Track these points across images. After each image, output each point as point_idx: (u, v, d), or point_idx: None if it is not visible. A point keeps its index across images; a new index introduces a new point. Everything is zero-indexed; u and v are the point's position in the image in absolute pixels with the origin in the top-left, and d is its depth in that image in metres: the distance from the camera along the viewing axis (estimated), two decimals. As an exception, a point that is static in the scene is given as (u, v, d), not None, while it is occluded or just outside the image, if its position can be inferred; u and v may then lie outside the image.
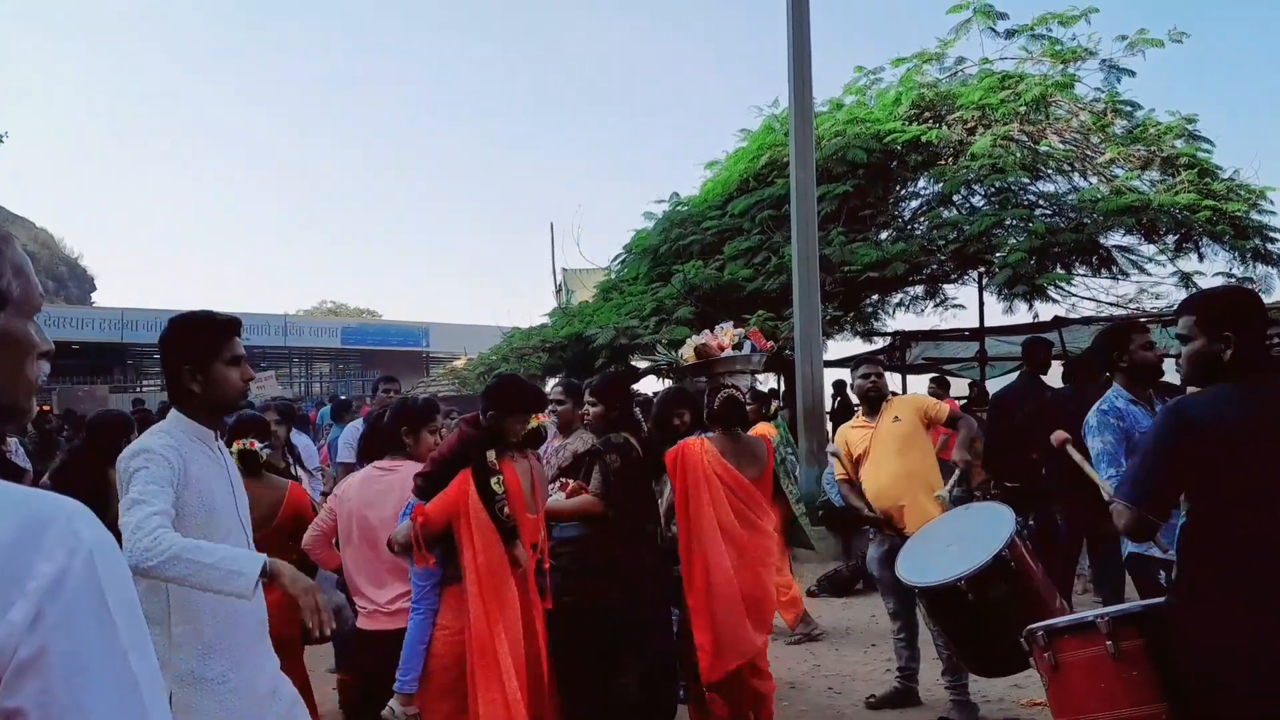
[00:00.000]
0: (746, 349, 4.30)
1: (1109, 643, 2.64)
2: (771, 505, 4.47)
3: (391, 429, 3.86)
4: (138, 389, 29.06)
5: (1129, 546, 3.59)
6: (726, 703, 4.16)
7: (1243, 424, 2.40)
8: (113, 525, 3.78)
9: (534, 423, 3.73)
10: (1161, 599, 2.70)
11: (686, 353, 4.57)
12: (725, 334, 4.47)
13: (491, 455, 3.59)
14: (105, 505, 3.85)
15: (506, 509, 3.50)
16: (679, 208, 12.99)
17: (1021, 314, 10.58)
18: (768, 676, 4.22)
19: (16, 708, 0.83)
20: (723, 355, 4.40)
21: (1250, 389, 2.46)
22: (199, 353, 2.70)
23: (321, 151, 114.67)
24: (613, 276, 13.91)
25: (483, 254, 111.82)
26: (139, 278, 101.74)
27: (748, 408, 4.69)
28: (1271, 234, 10.22)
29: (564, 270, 20.81)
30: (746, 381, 4.85)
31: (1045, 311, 10.67)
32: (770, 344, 6.26)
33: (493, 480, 3.52)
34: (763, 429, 6.04)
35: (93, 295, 41.82)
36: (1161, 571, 3.29)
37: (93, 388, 25.29)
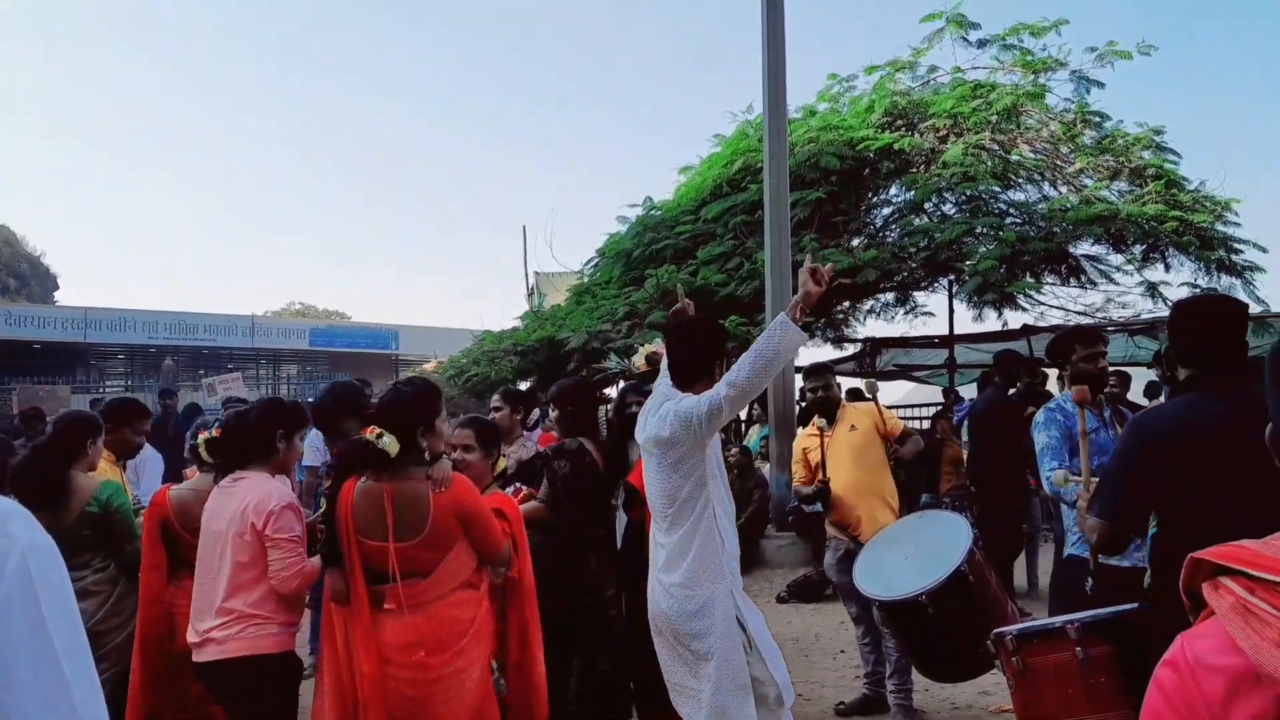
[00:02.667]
0: None
1: (1078, 649, 2.64)
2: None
3: (263, 431, 3.50)
4: (99, 389, 28.62)
5: (1069, 549, 3.63)
6: None
7: (1204, 434, 2.40)
8: (71, 524, 3.67)
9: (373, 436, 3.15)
10: (1131, 606, 2.70)
11: (638, 360, 4.64)
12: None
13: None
14: (64, 505, 3.75)
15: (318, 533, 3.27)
16: (653, 212, 12.98)
17: (991, 322, 10.68)
18: None
19: None
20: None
21: (1214, 397, 2.46)
22: None
23: (290, 152, 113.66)
24: (585, 280, 13.87)
25: (454, 256, 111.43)
26: (102, 277, 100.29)
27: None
28: (1236, 245, 10.38)
29: (536, 273, 20.76)
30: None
31: (1014, 319, 10.77)
32: None
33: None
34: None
35: (55, 294, 41.18)
36: (1089, 579, 3.32)
37: (54, 387, 24.84)
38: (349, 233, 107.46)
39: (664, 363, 3.54)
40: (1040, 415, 3.86)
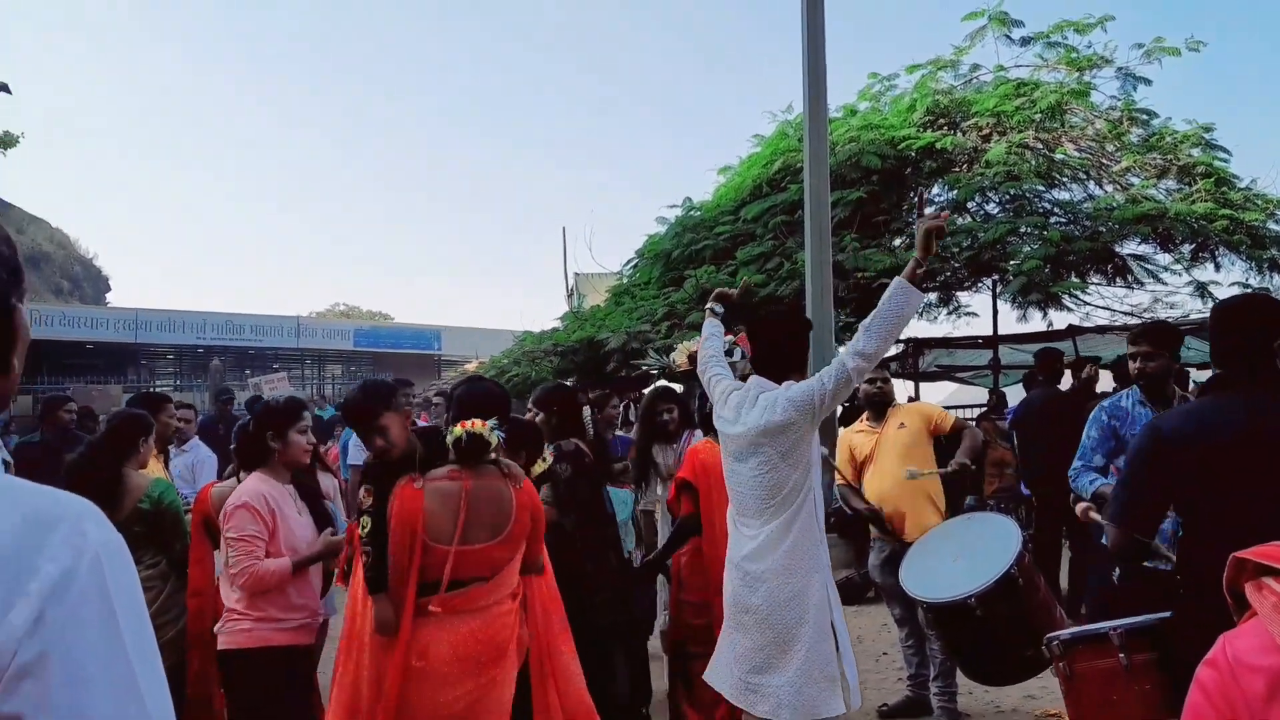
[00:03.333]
0: (737, 355, 4.39)
1: (1121, 655, 2.62)
2: None
3: (255, 436, 3.57)
4: (149, 389, 29.22)
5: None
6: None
7: (1222, 436, 2.39)
8: (122, 524, 3.80)
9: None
10: (1169, 614, 2.68)
11: (679, 358, 4.73)
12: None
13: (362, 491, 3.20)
14: (118, 502, 3.86)
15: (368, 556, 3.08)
16: (692, 212, 12.98)
17: (1035, 322, 10.53)
18: None
19: (14, 713, 0.80)
20: None
21: (1235, 399, 2.43)
22: None
23: (336, 155, 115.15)
24: (625, 281, 13.90)
25: (495, 258, 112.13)
26: (154, 279, 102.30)
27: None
28: (1289, 244, 10.15)
29: (576, 274, 20.84)
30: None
31: (1059, 320, 10.62)
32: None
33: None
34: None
35: (107, 295, 42.06)
36: (1115, 569, 3.35)
37: (106, 387, 25.41)
38: (393, 235, 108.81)
39: (709, 359, 3.56)
40: (1094, 412, 3.91)
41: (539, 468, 3.76)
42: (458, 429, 3.06)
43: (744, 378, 3.45)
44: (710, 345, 3.64)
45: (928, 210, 3.35)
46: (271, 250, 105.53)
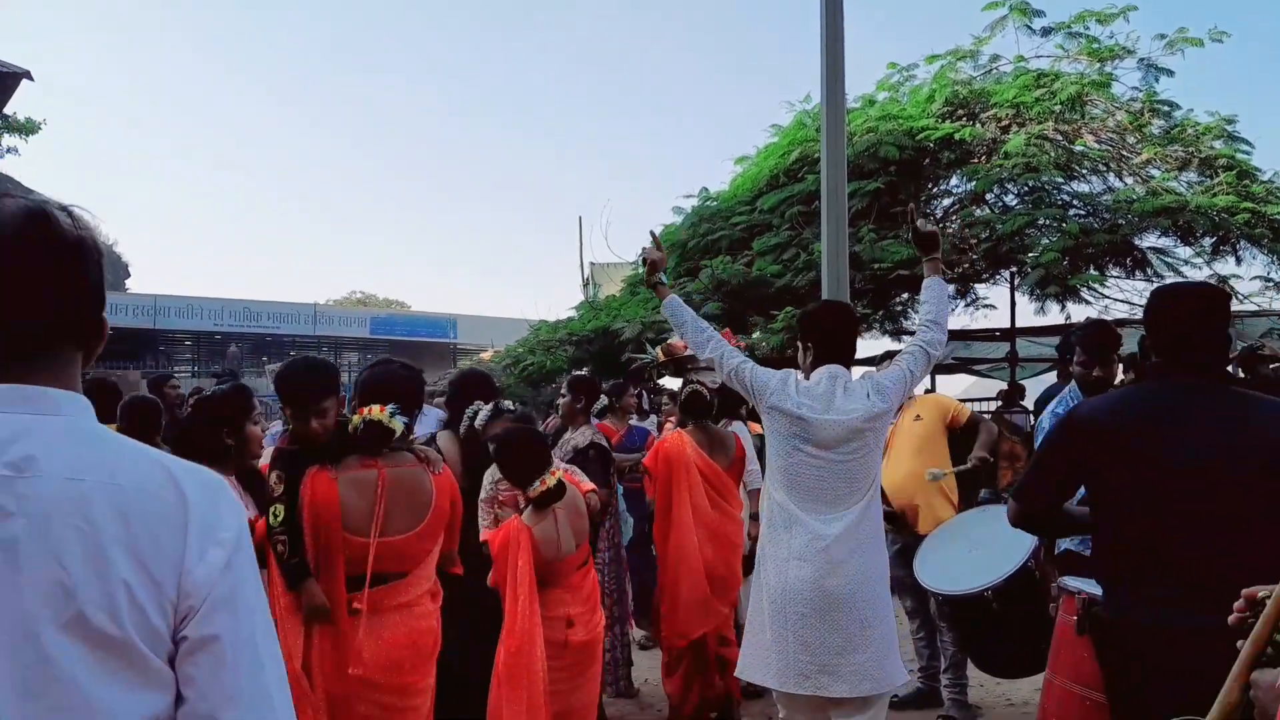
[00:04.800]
0: None
1: (1076, 615, 2.68)
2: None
3: (210, 430, 3.31)
4: (169, 374, 29.42)
5: (1062, 543, 3.66)
6: (695, 669, 4.52)
7: (1131, 425, 2.40)
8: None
9: (376, 415, 2.96)
10: None
11: (659, 352, 4.98)
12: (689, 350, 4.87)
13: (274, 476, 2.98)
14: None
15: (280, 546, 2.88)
16: (708, 203, 12.94)
17: (1054, 315, 10.46)
18: (734, 645, 4.32)
19: (214, 634, 1.03)
20: (685, 353, 4.77)
21: (1159, 387, 2.43)
22: None
23: (354, 144, 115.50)
24: (640, 271, 13.87)
25: (511, 247, 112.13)
26: (172, 265, 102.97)
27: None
28: (1312, 238, 10.04)
29: (592, 264, 20.83)
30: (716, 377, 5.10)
31: (1078, 313, 10.54)
32: (743, 344, 6.45)
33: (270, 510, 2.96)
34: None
35: (126, 282, 42.35)
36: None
37: (125, 372, 25.62)
38: (409, 224, 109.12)
39: (720, 345, 3.52)
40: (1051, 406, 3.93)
41: (538, 490, 3.49)
42: (355, 417, 2.95)
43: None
44: (703, 327, 3.54)
45: (919, 221, 3.35)
46: (290, 238, 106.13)
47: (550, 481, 3.42)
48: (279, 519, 2.90)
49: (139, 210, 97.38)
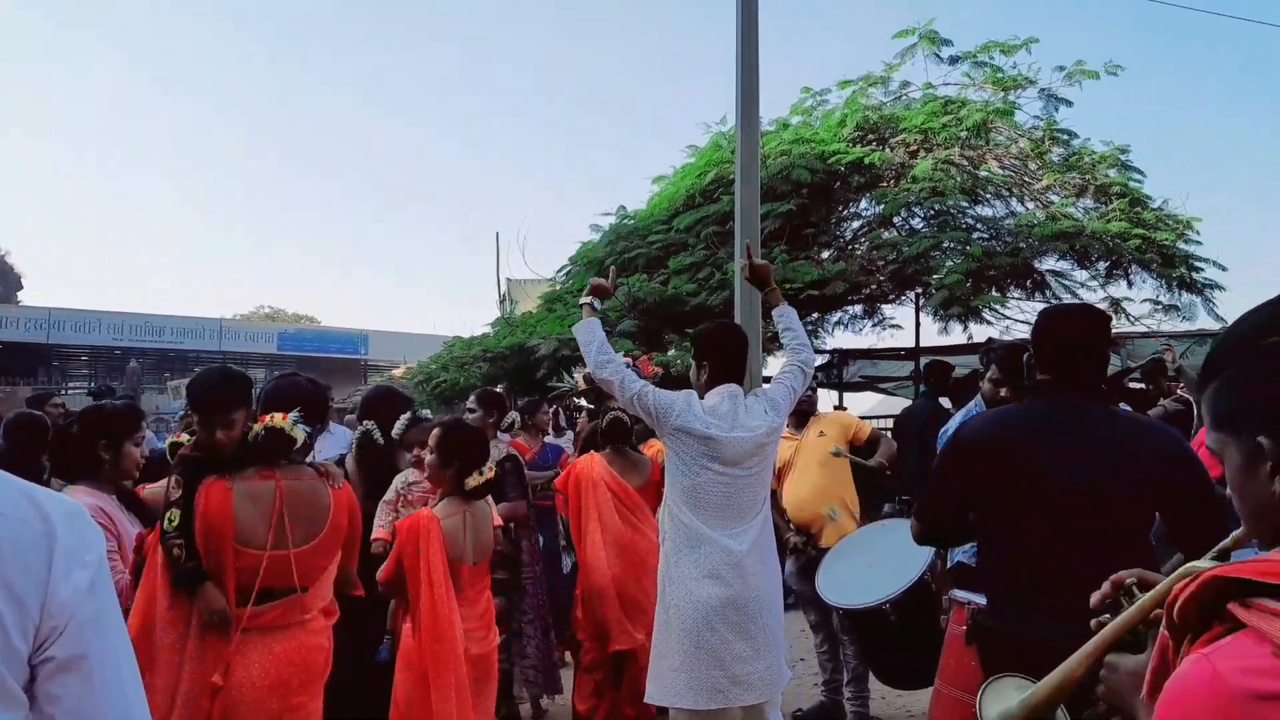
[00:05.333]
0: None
1: (965, 625, 2.74)
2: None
3: (87, 443, 3.15)
4: (61, 391, 28.19)
5: (954, 554, 3.77)
6: (607, 689, 4.48)
7: (1015, 440, 2.48)
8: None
9: (280, 423, 2.89)
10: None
11: (579, 380, 5.01)
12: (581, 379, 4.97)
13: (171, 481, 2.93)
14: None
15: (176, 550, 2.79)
16: (626, 221, 13.01)
17: (956, 335, 10.78)
18: None
19: (81, 653, 1.06)
20: None
21: (1039, 406, 2.52)
22: None
23: (261, 155, 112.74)
24: (558, 288, 13.86)
25: (426, 262, 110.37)
26: (69, 277, 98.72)
27: (635, 425, 4.92)
28: (1197, 263, 10.56)
29: (509, 280, 20.76)
30: None
31: (979, 333, 10.88)
32: (656, 370, 6.54)
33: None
34: (656, 444, 6.16)
35: (19, 294, 40.52)
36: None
37: (14, 389, 24.45)
38: (322, 237, 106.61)
39: (622, 370, 3.55)
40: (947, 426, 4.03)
41: (475, 480, 3.62)
42: (257, 425, 2.88)
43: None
44: (608, 351, 3.53)
45: (751, 260, 3.60)
46: (196, 251, 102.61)
47: (488, 474, 3.53)
48: (174, 523, 2.82)
49: (33, 219, 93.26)
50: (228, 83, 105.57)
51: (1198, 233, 10.75)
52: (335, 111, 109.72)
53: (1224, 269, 10.63)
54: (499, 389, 7.57)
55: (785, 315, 3.64)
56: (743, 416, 3.31)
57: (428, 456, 3.64)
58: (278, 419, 2.84)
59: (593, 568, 4.45)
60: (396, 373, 21.63)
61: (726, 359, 3.45)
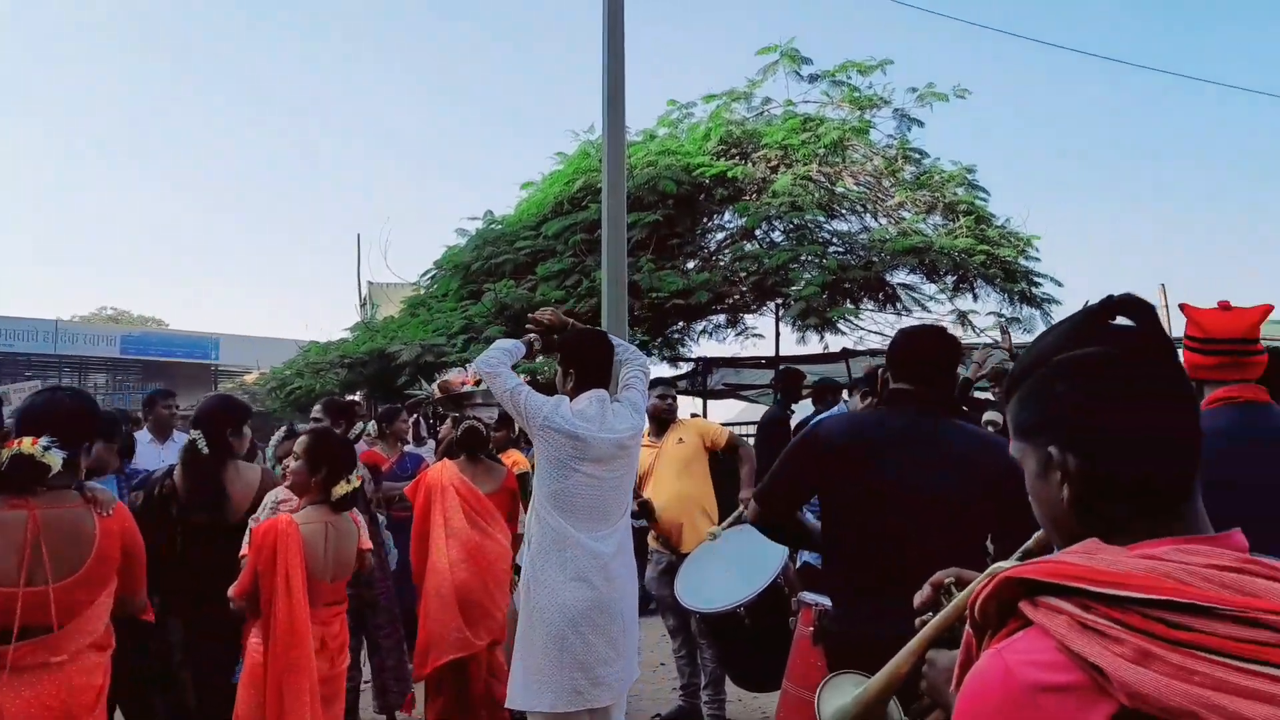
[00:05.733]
0: (484, 385, 4.65)
1: (813, 627, 2.84)
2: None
3: None
4: (-128, 396, 25.82)
5: (801, 555, 3.95)
6: (454, 699, 4.46)
7: (866, 445, 2.61)
8: None
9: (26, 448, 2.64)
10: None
11: (435, 388, 5.07)
12: (470, 373, 5.00)
13: None
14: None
15: None
16: (493, 225, 12.88)
17: (814, 345, 11.13)
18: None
19: None
20: (463, 390, 4.85)
21: (891, 415, 2.66)
22: None
23: (108, 147, 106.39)
24: (421, 292, 13.60)
25: (283, 264, 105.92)
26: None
27: (495, 434, 5.11)
28: (1036, 279, 11.25)
29: (369, 284, 20.22)
30: (493, 413, 5.29)
31: (835, 343, 11.27)
32: (470, 381, 6.63)
33: None
34: (515, 454, 6.16)
35: None
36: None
37: None
38: (170, 237, 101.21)
39: (503, 369, 3.55)
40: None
41: (343, 488, 3.55)
42: (4, 450, 2.63)
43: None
44: (502, 356, 3.59)
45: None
46: (30, 248, 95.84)
47: (356, 483, 3.55)
48: None
49: None
50: (69, 76, 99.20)
51: (1036, 250, 11.46)
52: (187, 106, 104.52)
53: (1060, 285, 11.38)
54: (357, 396, 7.36)
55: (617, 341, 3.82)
56: (610, 419, 3.41)
57: (293, 464, 3.55)
58: (27, 444, 2.59)
59: (437, 577, 4.41)
60: (249, 378, 20.77)
61: (592, 366, 3.54)
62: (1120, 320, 1.02)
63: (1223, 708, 0.76)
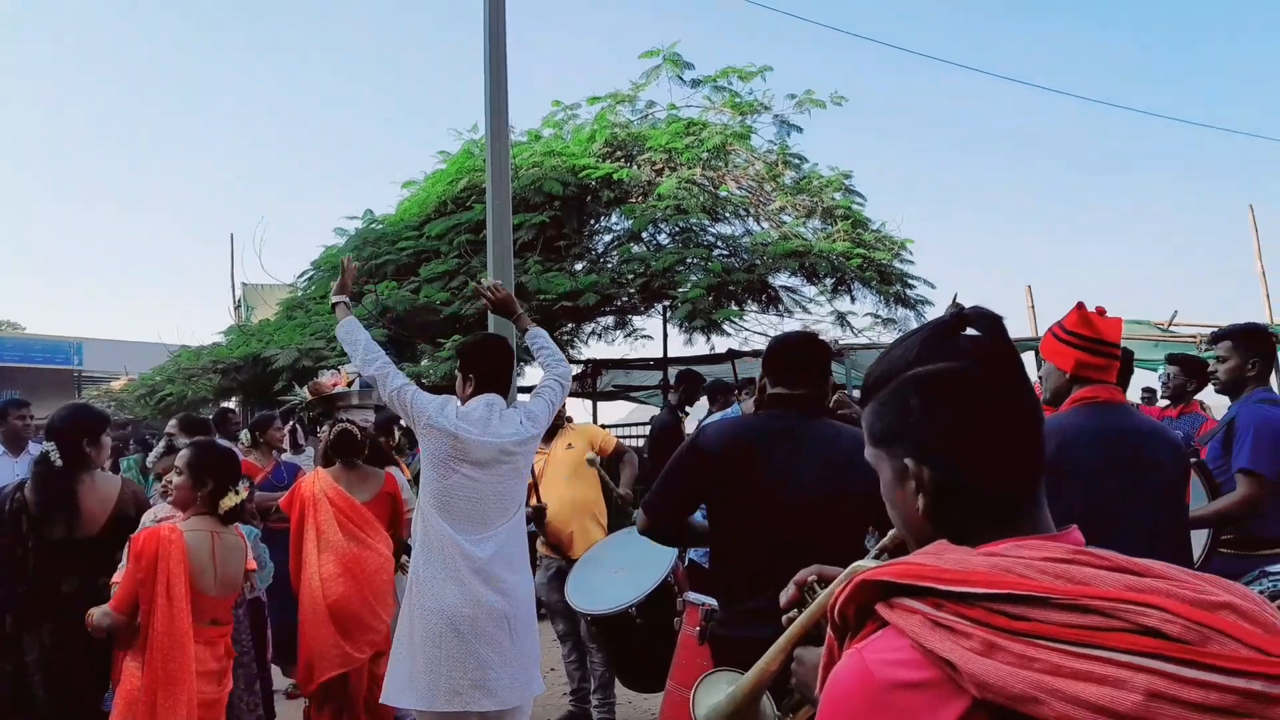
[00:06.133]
0: (357, 385, 4.57)
1: (698, 626, 2.90)
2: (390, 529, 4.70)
3: None
4: None
5: (689, 554, 4.04)
6: (338, 711, 4.34)
7: (747, 449, 2.68)
8: None
9: None
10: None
11: (306, 391, 4.91)
12: (343, 374, 4.81)
13: None
14: None
15: None
16: (374, 225, 12.60)
17: (700, 346, 11.29)
18: None
19: None
20: (335, 391, 4.72)
21: (769, 419, 2.74)
22: None
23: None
24: (299, 294, 13.20)
25: (151, 264, 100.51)
26: None
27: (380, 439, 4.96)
28: (910, 281, 11.68)
29: (244, 285, 19.49)
30: (368, 414, 5.13)
31: (721, 344, 11.46)
32: (348, 379, 6.57)
33: None
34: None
35: None
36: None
37: None
38: (25, 233, 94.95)
39: (386, 364, 3.53)
40: None
41: (231, 500, 3.46)
42: None
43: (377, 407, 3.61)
44: (375, 348, 3.60)
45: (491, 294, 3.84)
46: None
47: (244, 494, 3.48)
48: None
49: None
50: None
51: (910, 253, 11.90)
52: (44, 98, 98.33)
53: (933, 286, 11.84)
54: (232, 403, 7.09)
55: (537, 337, 3.75)
56: (495, 424, 3.40)
57: (176, 478, 3.41)
58: None
59: (312, 591, 4.29)
60: (116, 385, 19.74)
61: (490, 373, 3.54)
62: (972, 331, 1.06)
63: (1060, 691, 0.80)
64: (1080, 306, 2.72)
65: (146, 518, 3.74)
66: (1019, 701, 0.82)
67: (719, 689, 1.47)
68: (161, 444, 3.88)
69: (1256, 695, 0.77)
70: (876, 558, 1.25)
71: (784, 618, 1.37)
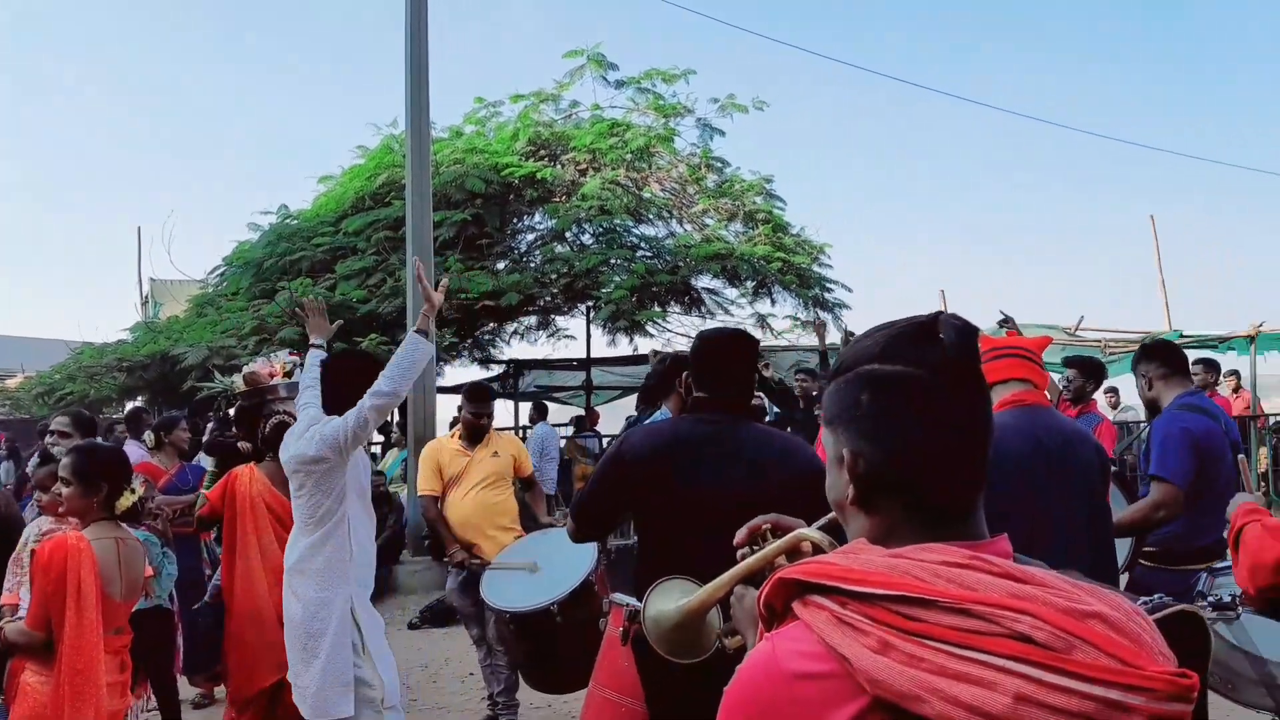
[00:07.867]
0: (296, 376, 4.39)
1: (622, 627, 2.89)
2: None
3: None
4: None
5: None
6: (263, 711, 4.17)
7: (669, 451, 2.65)
8: None
9: None
10: None
11: (238, 380, 4.67)
12: (278, 362, 4.64)
13: None
14: None
15: None
16: (288, 221, 12.30)
17: (623, 347, 11.30)
18: None
19: None
20: (273, 383, 4.52)
21: (694, 421, 2.71)
22: None
23: None
24: (210, 290, 12.81)
25: (51, 258, 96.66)
26: None
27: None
28: (829, 284, 11.88)
29: (152, 281, 18.82)
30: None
31: (644, 345, 11.49)
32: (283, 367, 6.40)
33: None
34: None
35: None
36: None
37: None
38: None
39: (305, 389, 3.66)
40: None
41: (127, 499, 3.29)
42: None
43: None
44: (307, 376, 3.82)
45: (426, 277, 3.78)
46: None
47: (140, 490, 3.38)
48: None
49: None
50: None
51: (829, 257, 12.11)
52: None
53: (850, 290, 12.07)
54: (139, 402, 6.82)
55: (404, 341, 3.60)
56: (291, 442, 3.56)
57: (64, 489, 3.21)
58: None
59: (252, 596, 4.09)
60: (12, 383, 18.81)
61: (328, 388, 3.67)
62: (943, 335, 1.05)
63: (941, 690, 0.84)
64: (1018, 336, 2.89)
65: (29, 532, 3.55)
66: (906, 699, 0.85)
67: (671, 598, 1.59)
68: (35, 457, 3.65)
69: (1113, 704, 0.82)
70: (821, 529, 1.30)
71: (737, 553, 1.44)
